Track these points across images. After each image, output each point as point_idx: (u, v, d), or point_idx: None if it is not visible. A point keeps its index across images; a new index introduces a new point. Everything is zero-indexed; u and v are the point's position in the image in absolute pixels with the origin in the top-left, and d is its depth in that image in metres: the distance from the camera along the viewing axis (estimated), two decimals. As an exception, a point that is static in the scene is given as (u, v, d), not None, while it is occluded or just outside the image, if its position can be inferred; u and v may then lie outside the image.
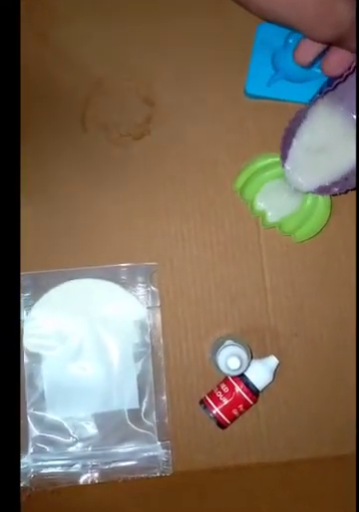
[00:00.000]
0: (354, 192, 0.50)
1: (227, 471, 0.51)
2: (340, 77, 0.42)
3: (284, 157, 0.47)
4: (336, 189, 0.47)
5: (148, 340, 0.50)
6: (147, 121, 0.51)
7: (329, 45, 0.40)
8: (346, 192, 0.47)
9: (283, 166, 0.48)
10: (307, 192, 0.48)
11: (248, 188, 0.50)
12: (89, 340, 0.50)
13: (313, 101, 0.45)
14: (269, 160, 0.49)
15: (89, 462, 0.50)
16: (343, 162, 0.46)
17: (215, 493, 0.51)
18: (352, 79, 0.44)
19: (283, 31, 0.48)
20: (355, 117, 0.45)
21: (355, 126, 0.45)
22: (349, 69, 0.41)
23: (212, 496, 0.50)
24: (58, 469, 0.49)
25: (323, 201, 0.49)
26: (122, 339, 0.50)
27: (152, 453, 0.50)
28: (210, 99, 0.51)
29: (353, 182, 0.46)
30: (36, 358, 0.49)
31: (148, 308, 0.50)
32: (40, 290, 0.50)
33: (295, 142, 0.46)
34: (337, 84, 0.42)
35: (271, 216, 0.50)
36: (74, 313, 0.50)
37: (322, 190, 0.47)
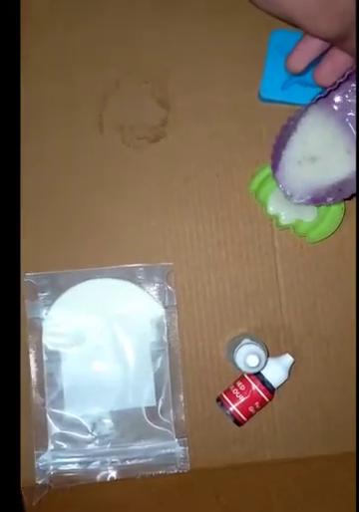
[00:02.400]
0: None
1: (243, 468, 0.51)
2: (333, 85, 0.42)
3: (275, 169, 0.48)
4: (330, 199, 0.47)
5: (165, 339, 0.51)
6: (162, 123, 0.52)
7: (331, 43, 0.40)
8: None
9: (274, 178, 0.48)
10: (299, 203, 0.48)
11: (263, 190, 0.51)
12: (107, 338, 0.51)
13: (305, 109, 0.46)
14: None
15: (107, 459, 0.50)
16: (336, 174, 0.47)
17: (231, 490, 0.51)
18: (346, 88, 0.45)
19: (297, 36, 0.50)
20: (350, 127, 0.46)
21: (349, 136, 0.45)
22: (342, 77, 0.42)
23: (228, 493, 0.51)
24: (76, 466, 0.50)
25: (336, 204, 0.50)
26: (139, 338, 0.51)
27: (169, 450, 0.51)
28: (225, 102, 0.52)
29: (347, 193, 0.46)
30: (55, 356, 0.50)
31: (164, 307, 0.51)
32: (58, 290, 0.51)
33: (286, 154, 0.47)
34: (330, 91, 0.43)
35: (284, 219, 0.51)
36: (92, 312, 0.51)
37: (315, 201, 0.48)
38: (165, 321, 0.51)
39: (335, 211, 0.50)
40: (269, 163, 0.48)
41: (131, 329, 0.51)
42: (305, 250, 0.52)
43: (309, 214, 0.50)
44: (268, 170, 0.50)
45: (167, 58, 0.52)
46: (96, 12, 0.53)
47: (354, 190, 0.46)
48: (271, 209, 0.51)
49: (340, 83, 0.42)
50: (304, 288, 0.52)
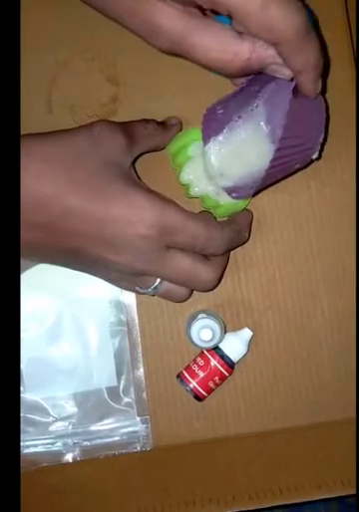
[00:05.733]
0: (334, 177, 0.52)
1: (206, 444, 0.52)
2: (241, 84, 0.45)
3: (206, 143, 0.48)
4: (235, 195, 0.48)
5: (123, 318, 0.51)
6: (112, 100, 0.51)
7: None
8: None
9: (204, 158, 0.47)
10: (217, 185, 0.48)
11: (180, 156, 0.49)
12: (65, 320, 0.50)
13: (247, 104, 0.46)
14: None
15: (70, 441, 0.50)
16: (256, 174, 0.46)
17: (195, 466, 0.52)
18: (276, 102, 0.46)
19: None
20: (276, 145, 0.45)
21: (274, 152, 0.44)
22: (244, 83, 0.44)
23: (192, 469, 0.52)
24: (39, 449, 0.50)
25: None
26: (98, 318, 0.51)
27: (131, 429, 0.51)
28: (175, 77, 0.51)
29: (253, 191, 0.47)
30: (12, 340, 0.50)
31: (122, 286, 0.51)
32: (14, 274, 0.50)
33: (224, 135, 0.47)
34: (236, 92, 0.45)
35: (194, 190, 0.49)
36: (49, 294, 0.50)
37: (228, 191, 0.48)
38: (123, 300, 0.51)
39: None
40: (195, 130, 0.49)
41: (89, 310, 0.51)
42: (262, 224, 0.52)
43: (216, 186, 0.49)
44: (191, 137, 0.49)
45: (114, 34, 0.51)
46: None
47: (265, 184, 0.47)
48: (185, 178, 0.49)
49: (242, 88, 0.45)
50: (263, 262, 0.52)
